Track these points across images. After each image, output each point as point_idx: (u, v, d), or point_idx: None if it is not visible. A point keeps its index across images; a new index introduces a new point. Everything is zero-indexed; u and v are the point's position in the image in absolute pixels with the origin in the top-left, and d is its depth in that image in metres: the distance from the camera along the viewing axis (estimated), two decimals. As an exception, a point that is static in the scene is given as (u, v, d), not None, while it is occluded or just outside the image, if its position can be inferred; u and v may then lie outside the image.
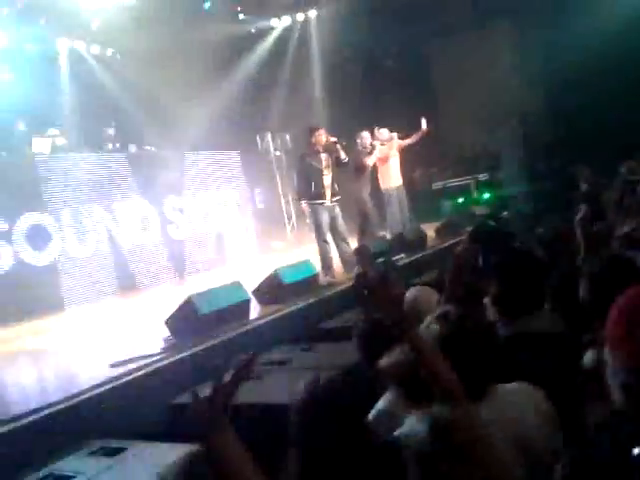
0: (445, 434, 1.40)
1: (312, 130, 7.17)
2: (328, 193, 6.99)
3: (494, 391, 1.78)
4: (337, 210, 7.09)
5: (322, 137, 7.03)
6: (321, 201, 6.93)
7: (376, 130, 8.80)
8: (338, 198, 7.12)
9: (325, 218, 6.93)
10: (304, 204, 6.97)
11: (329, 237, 6.98)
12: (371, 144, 8.50)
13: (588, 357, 1.97)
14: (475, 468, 1.36)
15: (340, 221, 7.08)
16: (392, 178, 8.80)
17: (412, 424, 1.65)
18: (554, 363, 2.03)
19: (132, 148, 9.90)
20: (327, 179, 7.02)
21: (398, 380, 2.00)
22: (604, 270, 2.16)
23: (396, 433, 1.93)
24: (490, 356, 1.80)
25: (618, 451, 1.17)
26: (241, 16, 12.53)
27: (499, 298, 2.36)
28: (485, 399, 1.75)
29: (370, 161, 8.34)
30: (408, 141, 8.89)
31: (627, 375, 1.24)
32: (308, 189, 6.90)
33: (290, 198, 11.95)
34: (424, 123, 8.75)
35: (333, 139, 7.14)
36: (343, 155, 7.22)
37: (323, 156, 7.02)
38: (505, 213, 8.88)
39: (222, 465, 1.37)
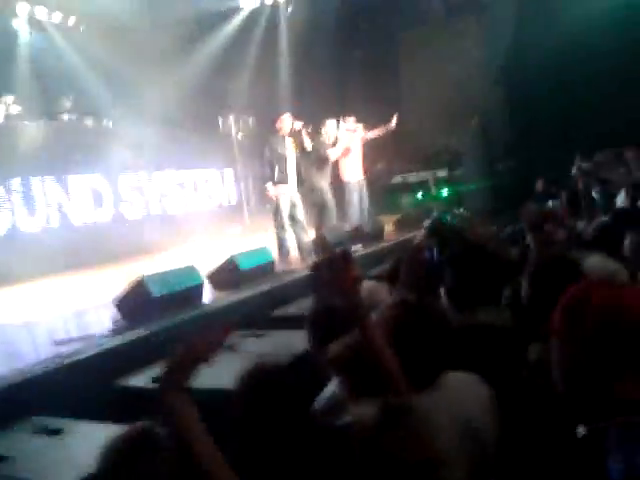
0: (395, 418, 1.41)
1: (278, 115, 7.11)
2: (291, 180, 6.97)
3: (443, 379, 1.81)
4: (298, 198, 7.07)
5: (287, 122, 6.98)
6: (284, 187, 6.89)
7: (342, 119, 8.78)
8: (298, 187, 7.11)
9: (285, 205, 6.90)
10: (269, 188, 6.89)
11: (287, 224, 6.96)
12: (336, 137, 8.46)
13: (533, 350, 2.03)
14: (422, 453, 1.38)
15: (300, 209, 7.07)
16: (353, 170, 8.81)
17: (361, 410, 1.66)
18: (500, 356, 2.08)
19: (89, 121, 9.63)
20: (291, 166, 6.99)
21: (342, 370, 2.01)
22: (543, 269, 2.23)
23: (344, 419, 1.94)
24: (443, 344, 1.82)
25: (564, 431, 1.22)
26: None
27: (452, 290, 2.40)
28: (434, 386, 1.78)
29: (333, 154, 8.31)
30: (372, 134, 8.92)
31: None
32: (272, 174, 6.85)
33: (250, 182, 11.86)
34: (394, 120, 8.78)
35: (299, 125, 7.10)
36: (308, 143, 7.21)
37: (288, 142, 6.98)
38: (462, 210, 9.04)
39: (177, 423, 1.44)
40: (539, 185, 9.26)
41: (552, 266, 2.23)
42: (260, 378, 1.91)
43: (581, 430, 1.36)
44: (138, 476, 1.61)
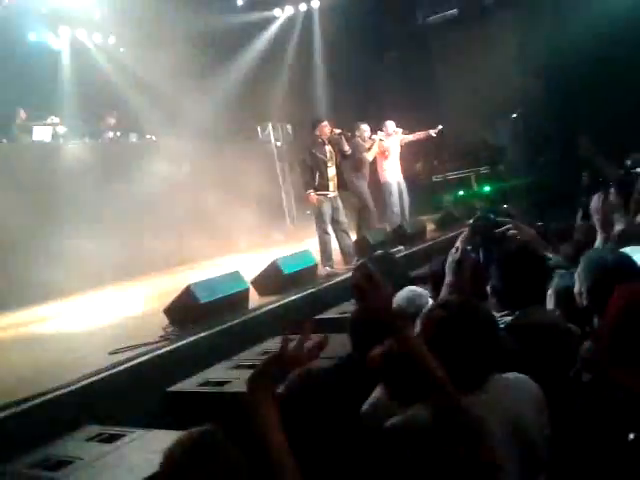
0: (449, 420, 1.41)
1: (316, 121, 7.21)
2: (332, 185, 7.05)
3: (492, 380, 1.79)
4: (339, 202, 7.15)
5: (326, 129, 7.07)
6: (325, 192, 6.96)
7: (383, 126, 8.79)
8: (339, 191, 7.17)
9: (327, 209, 6.97)
10: (310, 195, 6.95)
11: (330, 228, 7.01)
12: (370, 137, 8.48)
13: (585, 347, 1.98)
14: (479, 455, 1.37)
15: (341, 212, 7.14)
16: (393, 171, 8.80)
17: (413, 412, 1.65)
18: (550, 355, 2.04)
19: (133, 137, 9.89)
20: (331, 171, 7.07)
21: (382, 376, 2.00)
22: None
23: (390, 422, 1.94)
24: (491, 344, 1.79)
25: (615, 433, 1.19)
26: (244, 5, 12.48)
27: (499, 290, 2.36)
28: (484, 388, 1.76)
29: (369, 156, 8.33)
30: (412, 138, 8.90)
31: None
32: (312, 180, 6.91)
33: (291, 189, 11.95)
34: (438, 129, 8.78)
35: (337, 131, 7.17)
36: (347, 147, 7.28)
37: (327, 148, 7.07)
38: (505, 206, 8.87)
39: (258, 421, 1.51)
40: (586, 179, 9.01)
41: (608, 264, 2.16)
42: (306, 382, 1.92)
43: (631, 435, 1.32)
44: (202, 477, 1.64)
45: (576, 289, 2.26)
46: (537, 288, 2.36)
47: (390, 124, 8.78)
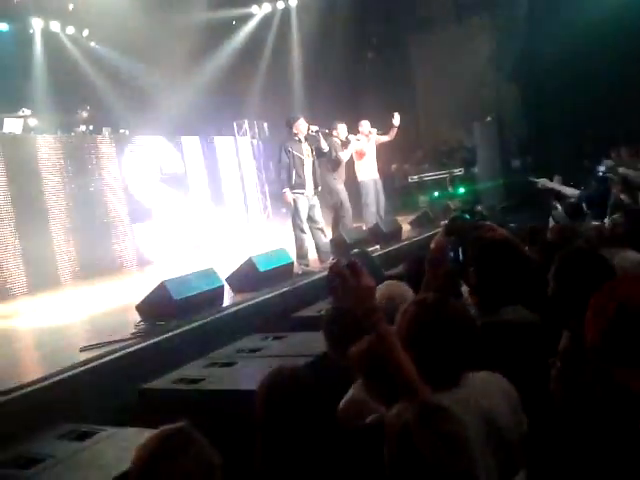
0: (429, 419, 1.41)
1: (293, 118, 7.13)
2: (308, 183, 7.00)
3: (466, 378, 1.80)
4: (316, 200, 7.10)
5: (303, 126, 7.00)
6: (301, 190, 6.92)
7: (359, 125, 8.79)
8: (318, 188, 7.14)
9: (304, 207, 6.93)
10: (287, 193, 6.91)
11: (306, 227, 6.98)
12: (346, 138, 8.46)
13: (563, 339, 2.02)
14: (455, 453, 1.37)
15: (317, 211, 7.10)
16: (369, 170, 8.80)
17: (390, 413, 1.65)
18: (526, 353, 2.07)
19: (106, 131, 9.75)
20: (307, 169, 7.02)
21: (362, 373, 2.01)
22: (570, 265, 2.22)
23: (368, 420, 1.95)
24: (465, 342, 1.80)
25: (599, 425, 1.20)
26: (221, 1, 12.39)
27: (476, 288, 2.39)
28: (458, 385, 1.77)
29: (344, 156, 8.25)
30: (385, 138, 8.90)
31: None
32: (289, 178, 6.87)
33: (266, 186, 11.93)
34: (396, 119, 8.76)
35: (315, 128, 7.12)
36: (324, 145, 7.23)
37: (303, 145, 7.01)
38: (479, 207, 8.98)
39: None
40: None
41: (580, 261, 2.20)
42: (280, 381, 1.92)
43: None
44: (174, 476, 1.63)
45: (550, 289, 2.30)
46: (514, 286, 2.39)
47: (365, 124, 8.78)
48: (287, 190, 6.88)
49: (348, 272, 1.69)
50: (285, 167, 6.90)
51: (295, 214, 6.94)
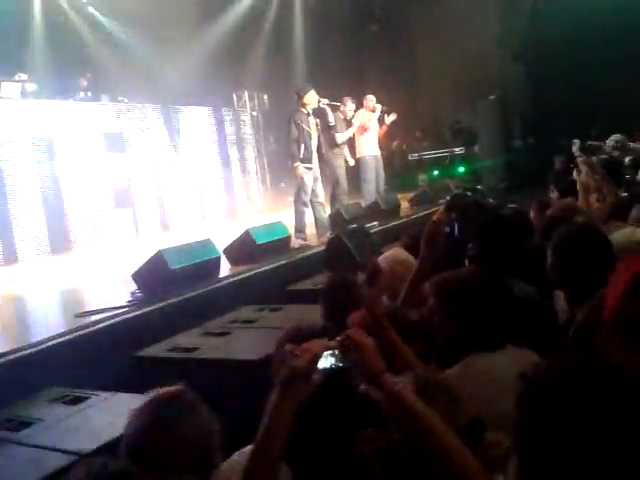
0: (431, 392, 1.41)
1: (304, 90, 7.02)
2: (315, 157, 6.95)
3: (507, 347, 1.82)
4: (318, 174, 7.07)
5: (313, 98, 6.91)
6: (309, 165, 6.87)
7: (364, 99, 8.68)
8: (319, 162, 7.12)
9: (309, 181, 6.89)
10: (299, 168, 6.81)
11: (308, 201, 6.95)
12: (351, 118, 8.32)
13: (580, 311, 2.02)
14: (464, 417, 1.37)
15: (319, 185, 7.08)
16: (370, 147, 8.70)
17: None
18: (527, 328, 2.06)
19: (104, 99, 9.63)
20: (314, 142, 6.97)
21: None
22: (568, 239, 2.21)
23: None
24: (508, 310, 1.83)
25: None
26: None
27: (478, 261, 2.37)
28: (497, 351, 1.79)
29: (341, 137, 8.05)
30: (379, 131, 8.82)
31: None
32: (298, 152, 6.79)
33: (265, 160, 11.84)
34: (390, 118, 8.68)
35: (325, 101, 7.04)
36: (332, 118, 7.15)
37: (311, 119, 6.94)
38: (479, 187, 8.94)
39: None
40: (558, 164, 9.12)
41: (578, 237, 2.19)
42: (300, 337, 1.90)
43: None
44: (172, 442, 1.61)
45: (548, 262, 2.29)
46: (516, 259, 2.38)
47: (371, 98, 8.67)
48: (299, 164, 6.80)
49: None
50: (294, 140, 6.82)
51: (300, 187, 6.89)
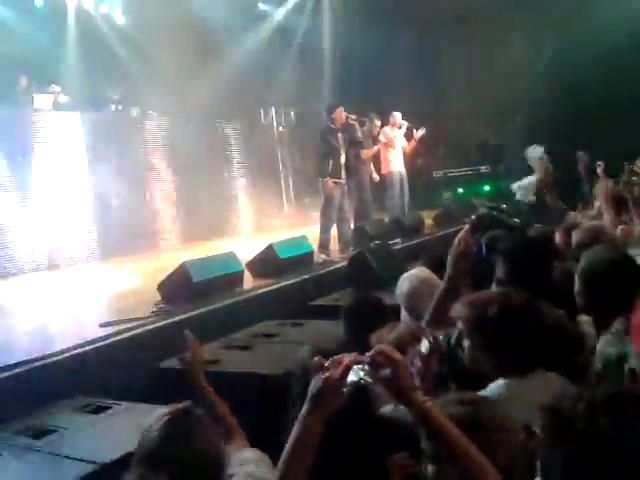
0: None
1: (333, 106, 7.15)
2: (343, 172, 7.02)
3: (540, 373, 1.80)
4: (346, 189, 7.14)
5: (341, 115, 7.01)
6: (337, 179, 6.94)
7: (391, 116, 8.71)
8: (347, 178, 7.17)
9: (337, 196, 6.95)
10: (329, 182, 6.89)
11: (335, 216, 6.98)
12: (378, 135, 8.37)
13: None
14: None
15: (346, 200, 7.13)
16: (395, 163, 8.71)
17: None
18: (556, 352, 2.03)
19: (134, 111, 9.80)
20: (343, 158, 7.07)
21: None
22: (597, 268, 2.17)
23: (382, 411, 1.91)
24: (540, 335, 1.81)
25: None
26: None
27: (505, 284, 2.35)
28: (530, 376, 1.77)
29: (365, 154, 8.11)
30: (405, 145, 8.83)
31: None
32: (327, 167, 6.88)
33: (290, 174, 11.90)
34: (420, 132, 8.69)
35: (353, 116, 7.13)
36: (359, 134, 7.24)
37: (339, 135, 7.03)
38: (504, 205, 8.87)
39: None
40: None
41: (606, 262, 2.16)
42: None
43: None
44: (178, 460, 1.62)
45: (576, 288, 2.26)
46: (544, 282, 2.34)
47: (397, 115, 8.70)
48: (328, 179, 6.89)
49: None
50: (324, 155, 6.90)
51: (328, 202, 6.95)
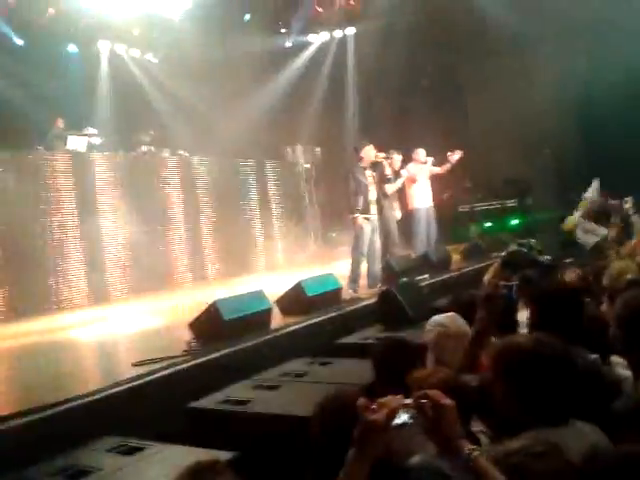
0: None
1: (362, 144, 7.31)
2: (373, 208, 7.11)
3: (573, 424, 1.76)
4: (376, 224, 7.20)
5: (371, 153, 7.14)
6: (368, 215, 7.05)
7: (413, 152, 8.78)
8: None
9: (368, 232, 7.03)
10: (359, 219, 7.00)
11: (365, 251, 7.03)
12: (399, 169, 8.44)
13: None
14: None
15: (377, 236, 7.20)
16: (422, 198, 8.73)
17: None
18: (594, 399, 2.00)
19: (166, 152, 10.05)
20: (373, 194, 7.19)
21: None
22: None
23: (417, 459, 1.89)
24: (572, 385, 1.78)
25: None
26: (280, 30, 12.72)
27: (539, 327, 2.33)
28: (563, 427, 1.73)
29: (389, 189, 8.20)
30: (438, 170, 8.86)
31: None
32: (357, 203, 7.00)
33: (317, 211, 12.01)
34: (455, 156, 8.72)
35: (382, 154, 7.25)
36: (389, 171, 7.32)
37: (368, 172, 7.15)
38: (533, 241, 8.78)
39: None
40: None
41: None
42: (339, 404, 1.90)
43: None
44: None
45: (611, 332, 2.23)
46: (577, 326, 2.32)
47: (421, 152, 8.76)
48: (358, 215, 6.99)
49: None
50: (354, 193, 7.02)
51: (359, 238, 7.04)
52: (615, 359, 2.33)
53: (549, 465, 1.37)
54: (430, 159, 8.76)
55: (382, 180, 7.45)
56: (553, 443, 1.45)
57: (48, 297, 7.76)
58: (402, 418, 1.38)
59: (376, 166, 7.35)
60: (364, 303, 6.06)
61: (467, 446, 1.35)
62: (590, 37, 10.52)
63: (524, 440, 1.46)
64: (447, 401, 1.40)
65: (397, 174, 8.41)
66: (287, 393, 3.73)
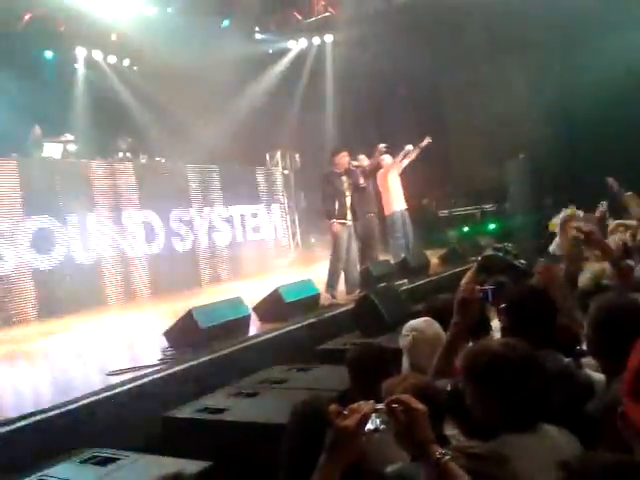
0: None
1: (336, 152, 7.29)
2: (349, 213, 7.13)
3: (541, 427, 1.76)
4: (352, 230, 7.20)
5: (345, 159, 7.15)
6: (344, 221, 7.05)
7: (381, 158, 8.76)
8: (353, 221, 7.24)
9: (345, 237, 7.03)
10: (335, 224, 7.00)
11: (344, 257, 7.03)
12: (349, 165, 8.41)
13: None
14: None
15: (354, 242, 7.20)
16: (395, 202, 8.72)
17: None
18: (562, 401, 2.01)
19: (143, 158, 9.96)
20: (348, 200, 7.20)
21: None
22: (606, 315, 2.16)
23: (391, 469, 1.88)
24: (546, 390, 1.78)
25: None
26: (258, 36, 12.72)
27: (510, 332, 2.34)
28: (530, 432, 1.74)
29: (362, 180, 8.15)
30: (408, 161, 8.84)
31: None
32: (333, 209, 6.99)
33: (296, 216, 12.01)
34: (425, 142, 8.78)
35: (355, 163, 7.25)
36: (362, 180, 7.35)
37: (343, 178, 7.16)
38: (509, 244, 8.86)
39: None
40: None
41: (615, 309, 2.15)
42: (312, 410, 1.89)
43: None
44: None
45: (585, 335, 2.25)
46: (550, 330, 2.34)
47: (387, 157, 8.66)
48: (335, 221, 7.01)
49: None
50: (328, 198, 7.02)
51: (336, 243, 7.04)
52: (588, 361, 2.35)
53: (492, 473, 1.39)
54: (382, 145, 8.52)
55: (356, 189, 7.43)
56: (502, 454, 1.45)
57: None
58: (374, 423, 1.38)
59: (350, 174, 7.33)
60: (342, 309, 6.06)
61: (438, 450, 1.35)
62: (564, 42, 10.70)
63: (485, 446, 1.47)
64: (419, 406, 1.40)
65: (373, 171, 8.38)
66: (265, 400, 3.71)
